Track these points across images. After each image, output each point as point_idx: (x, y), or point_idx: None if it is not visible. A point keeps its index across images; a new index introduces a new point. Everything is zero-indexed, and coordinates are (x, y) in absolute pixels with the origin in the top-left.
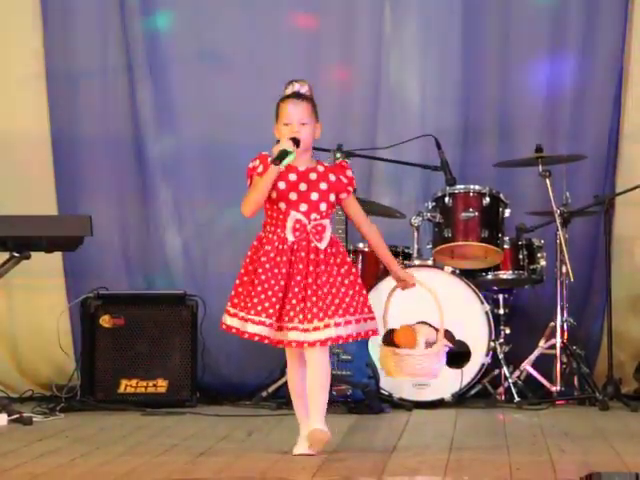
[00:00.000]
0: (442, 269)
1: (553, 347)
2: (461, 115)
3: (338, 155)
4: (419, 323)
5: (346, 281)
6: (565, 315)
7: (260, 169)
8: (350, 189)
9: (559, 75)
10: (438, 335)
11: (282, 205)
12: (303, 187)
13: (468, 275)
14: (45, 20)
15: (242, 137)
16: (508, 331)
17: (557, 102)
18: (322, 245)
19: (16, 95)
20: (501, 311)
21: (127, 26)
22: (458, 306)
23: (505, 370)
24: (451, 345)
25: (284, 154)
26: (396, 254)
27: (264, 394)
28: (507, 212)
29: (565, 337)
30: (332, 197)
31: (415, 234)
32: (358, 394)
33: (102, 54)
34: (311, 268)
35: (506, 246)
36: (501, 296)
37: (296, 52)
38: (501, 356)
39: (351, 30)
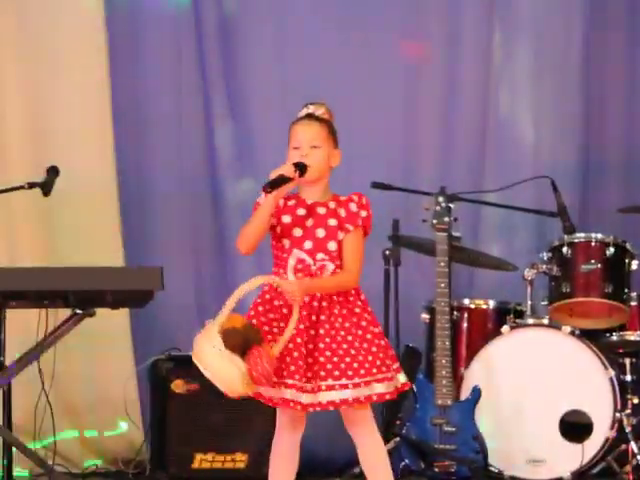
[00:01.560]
0: (560, 329)
1: None
2: (581, 153)
3: (440, 199)
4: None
5: (349, 337)
6: None
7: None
8: (349, 227)
9: None
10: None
11: (286, 242)
12: (309, 223)
13: (590, 336)
14: (111, 41)
15: (331, 180)
16: (636, 401)
17: None
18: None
19: (80, 137)
20: (628, 377)
21: (204, 50)
22: (578, 372)
23: (633, 445)
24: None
25: (280, 180)
26: (507, 311)
27: (356, 470)
28: (635, 264)
29: None
30: (341, 235)
31: (528, 289)
32: (464, 471)
33: (175, 89)
34: (314, 317)
35: (633, 303)
36: (628, 360)
37: (395, 85)
38: (628, 429)
39: (455, 56)
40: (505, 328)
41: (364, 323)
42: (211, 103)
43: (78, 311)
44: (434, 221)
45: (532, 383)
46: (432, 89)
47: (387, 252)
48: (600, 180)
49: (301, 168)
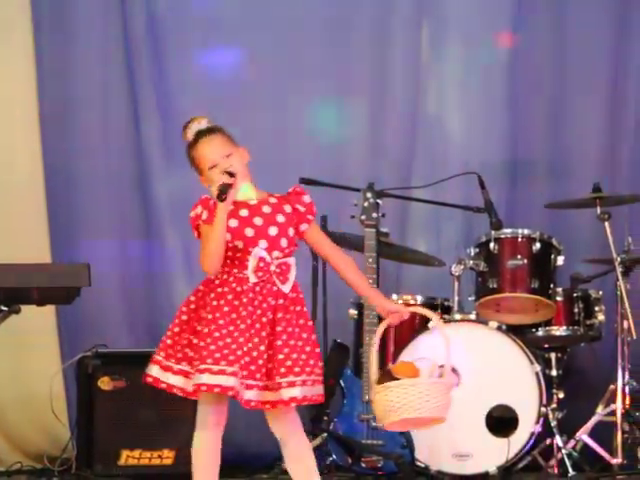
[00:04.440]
0: (486, 324)
1: (613, 413)
2: (508, 150)
3: (369, 195)
4: (419, 358)
5: (304, 334)
6: (627, 377)
7: (205, 215)
8: (310, 217)
9: (620, 105)
10: (442, 370)
11: (239, 243)
12: (258, 221)
13: (516, 331)
14: (38, 43)
15: (262, 176)
16: (561, 395)
17: (618, 135)
18: (286, 288)
19: (6, 133)
20: (553, 372)
21: (131, 50)
22: (504, 367)
23: (558, 439)
24: (458, 381)
25: (225, 188)
26: (434, 307)
27: (284, 466)
28: (560, 260)
29: (627, 402)
30: (291, 231)
31: (456, 284)
32: (390, 466)
33: (102, 82)
34: (271, 316)
35: (559, 298)
36: (553, 355)
37: (320, 84)
38: (553, 423)
39: (384, 55)
40: (432, 323)
41: (310, 322)
42: (139, 101)
43: (3, 308)
44: (362, 217)
45: (459, 378)
46: (361, 87)
47: None
48: (526, 176)
49: (231, 174)
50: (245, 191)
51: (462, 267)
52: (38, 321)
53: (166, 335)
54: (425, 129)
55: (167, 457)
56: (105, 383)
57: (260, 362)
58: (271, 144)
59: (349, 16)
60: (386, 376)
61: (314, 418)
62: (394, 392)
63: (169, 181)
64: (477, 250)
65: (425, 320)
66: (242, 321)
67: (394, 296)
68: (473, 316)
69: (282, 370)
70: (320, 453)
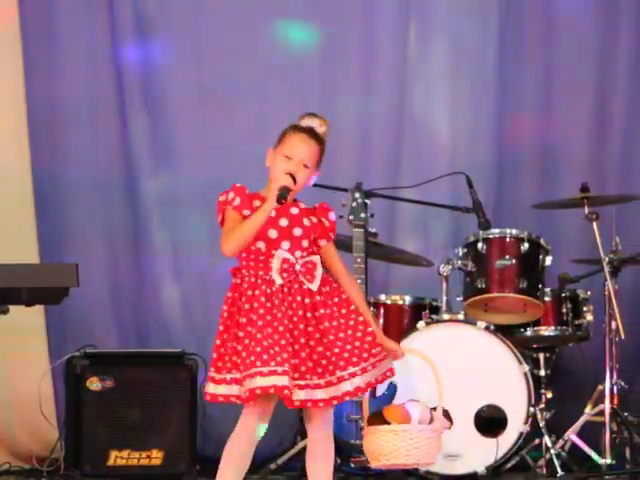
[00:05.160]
0: (474, 324)
1: (601, 413)
2: (496, 150)
3: (357, 195)
4: (410, 401)
5: (351, 322)
6: (615, 377)
7: (237, 202)
8: (332, 235)
9: (606, 106)
10: (434, 413)
11: (261, 245)
12: (284, 222)
13: (504, 331)
14: (26, 46)
15: (246, 177)
16: (550, 395)
17: (605, 135)
18: (314, 286)
19: None
20: (542, 372)
21: (118, 54)
22: (493, 367)
23: (547, 439)
24: (449, 425)
25: (287, 192)
26: (422, 307)
27: (273, 466)
28: (548, 260)
29: (615, 402)
30: (312, 237)
31: (444, 285)
32: None
33: (89, 84)
34: (309, 314)
35: (547, 298)
36: (542, 355)
37: (308, 82)
38: (542, 424)
39: (370, 55)
40: (421, 324)
41: (352, 306)
42: (125, 100)
43: None
44: (350, 217)
45: (447, 378)
46: (349, 86)
47: None
48: (514, 177)
49: (294, 180)
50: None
51: (450, 267)
52: (27, 321)
53: (212, 351)
54: (412, 129)
55: (156, 457)
56: (94, 383)
57: (310, 364)
58: (259, 144)
59: (334, 17)
60: (377, 418)
61: (303, 418)
62: (385, 437)
63: (157, 181)
64: (465, 250)
65: (414, 321)
66: (279, 323)
67: (382, 296)
68: (461, 316)
69: (341, 363)
70: None
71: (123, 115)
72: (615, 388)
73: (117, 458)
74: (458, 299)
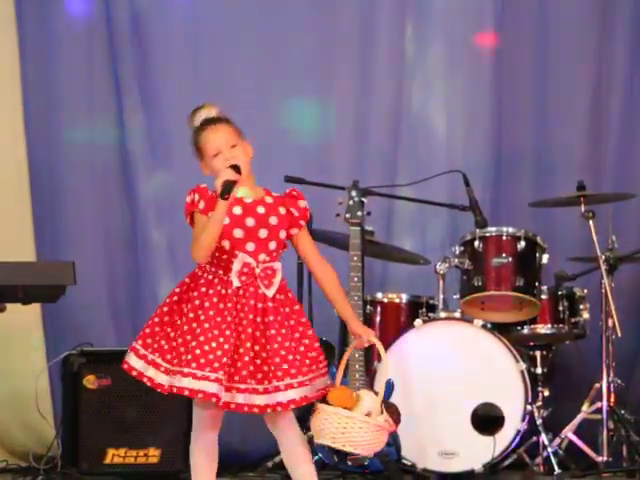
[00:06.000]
0: (471, 322)
1: (598, 411)
2: (493, 148)
3: (353, 193)
4: (364, 389)
5: (296, 334)
6: (612, 375)
7: (202, 205)
8: (302, 223)
9: (604, 105)
10: (381, 406)
11: (225, 244)
12: (250, 222)
13: (501, 329)
14: (22, 40)
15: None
16: (547, 393)
17: (602, 134)
18: (270, 292)
19: None
20: (539, 370)
21: (115, 47)
22: (489, 365)
23: (544, 437)
24: (394, 426)
25: (230, 185)
26: (419, 305)
27: (269, 464)
28: (545, 258)
29: (612, 400)
30: (282, 234)
31: (440, 283)
32: (376, 464)
33: (87, 80)
34: (259, 319)
35: (544, 296)
36: (539, 353)
37: (310, 82)
38: (539, 421)
39: (367, 54)
40: (418, 322)
41: (304, 319)
42: (122, 98)
43: None
44: (347, 215)
45: (444, 376)
46: (346, 85)
47: None
48: (511, 175)
49: (237, 169)
50: (244, 192)
51: (447, 265)
52: (23, 319)
53: (146, 323)
54: (409, 127)
55: (153, 456)
56: (90, 381)
57: (251, 368)
58: (256, 142)
59: (332, 16)
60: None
61: (300, 417)
62: (329, 418)
63: (154, 178)
64: (462, 248)
65: (411, 319)
66: (227, 326)
67: (379, 294)
68: (458, 314)
69: (279, 374)
70: None
71: (120, 112)
72: (612, 386)
73: (114, 456)
74: (455, 297)
